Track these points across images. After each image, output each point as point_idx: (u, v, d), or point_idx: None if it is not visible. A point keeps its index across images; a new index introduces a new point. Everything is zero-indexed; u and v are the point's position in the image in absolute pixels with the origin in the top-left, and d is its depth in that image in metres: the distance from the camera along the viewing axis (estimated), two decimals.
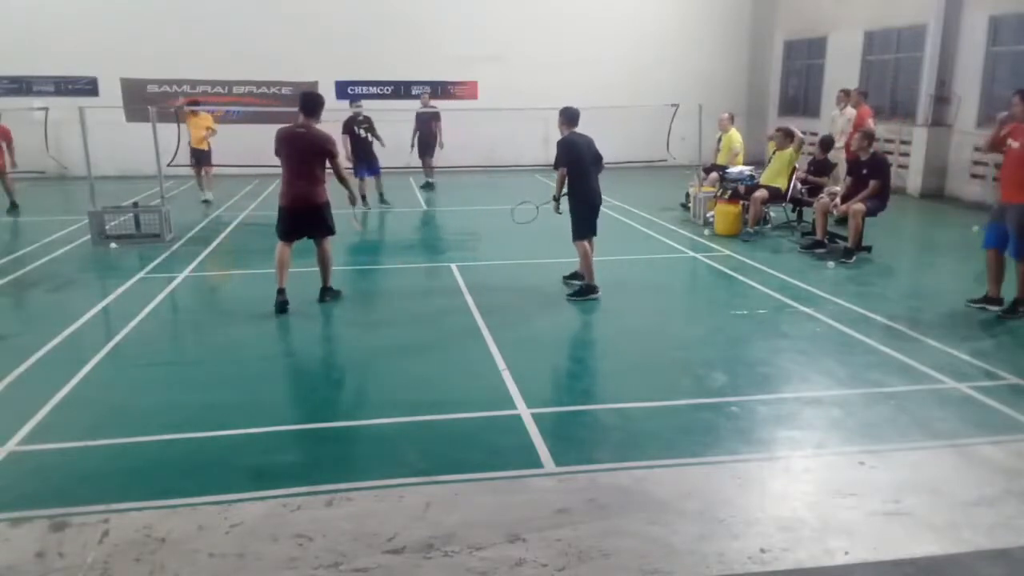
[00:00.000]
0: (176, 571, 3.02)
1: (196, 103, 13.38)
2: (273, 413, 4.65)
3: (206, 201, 12.58)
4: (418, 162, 14.37)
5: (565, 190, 7.00)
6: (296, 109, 6.57)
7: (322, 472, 3.90)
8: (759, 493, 3.69)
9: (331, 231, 6.72)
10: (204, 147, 12.53)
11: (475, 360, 5.51)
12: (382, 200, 12.40)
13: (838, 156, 10.89)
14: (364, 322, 6.46)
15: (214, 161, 12.88)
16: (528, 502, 3.53)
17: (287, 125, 6.51)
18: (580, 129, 7.04)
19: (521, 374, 5.17)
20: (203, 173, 12.72)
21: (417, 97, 17.06)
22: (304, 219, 6.52)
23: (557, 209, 7.18)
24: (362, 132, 12.11)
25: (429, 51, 16.72)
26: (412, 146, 14.15)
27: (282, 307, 6.45)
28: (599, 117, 16.66)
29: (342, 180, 6.52)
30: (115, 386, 5.14)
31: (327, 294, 6.87)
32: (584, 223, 7.05)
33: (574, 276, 7.40)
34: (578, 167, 6.92)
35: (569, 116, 7.06)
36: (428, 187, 14.52)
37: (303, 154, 6.27)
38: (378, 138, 12.20)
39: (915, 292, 7.62)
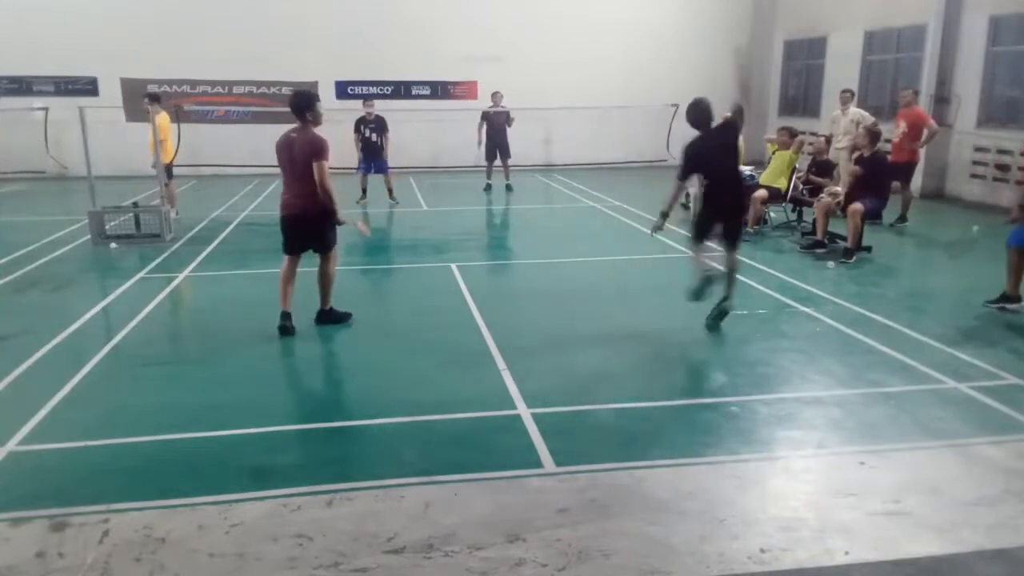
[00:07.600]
0: (176, 571, 3.02)
1: (157, 98, 11.19)
2: (273, 413, 4.65)
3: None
4: (476, 163, 13.93)
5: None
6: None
7: (322, 472, 3.90)
8: (759, 493, 3.69)
9: (328, 247, 6.19)
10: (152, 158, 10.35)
11: (475, 360, 5.51)
12: (391, 197, 12.45)
13: (839, 156, 10.90)
14: (364, 322, 6.44)
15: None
16: (528, 502, 3.53)
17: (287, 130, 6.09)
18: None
19: (521, 374, 5.17)
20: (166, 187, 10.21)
21: (417, 97, 17.09)
22: (300, 229, 6.09)
23: (659, 225, 6.33)
24: (367, 132, 12.19)
25: (429, 51, 16.73)
26: (479, 144, 13.75)
27: (284, 331, 6.00)
28: (599, 117, 16.83)
29: (322, 189, 5.83)
30: (115, 386, 5.14)
31: (325, 317, 6.29)
32: (698, 225, 6.27)
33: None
34: (706, 176, 6.22)
35: (690, 117, 6.04)
36: (509, 189, 14.06)
37: (293, 160, 5.89)
38: (384, 142, 12.23)
39: (915, 292, 7.61)
